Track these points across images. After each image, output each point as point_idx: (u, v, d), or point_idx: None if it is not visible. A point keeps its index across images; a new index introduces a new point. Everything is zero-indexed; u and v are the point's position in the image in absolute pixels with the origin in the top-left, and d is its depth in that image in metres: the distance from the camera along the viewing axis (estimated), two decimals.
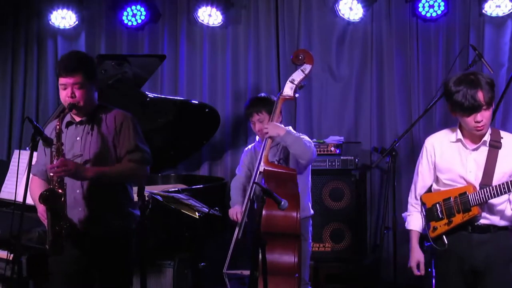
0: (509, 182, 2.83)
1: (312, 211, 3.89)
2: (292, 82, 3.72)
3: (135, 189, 3.71)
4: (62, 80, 3.05)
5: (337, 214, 4.89)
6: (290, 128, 3.89)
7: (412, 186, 3.22)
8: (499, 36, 5.13)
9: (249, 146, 4.09)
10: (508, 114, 5.10)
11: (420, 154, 3.19)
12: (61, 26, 5.57)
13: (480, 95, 2.84)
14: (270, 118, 3.72)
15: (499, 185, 2.86)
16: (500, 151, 2.95)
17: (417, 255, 3.12)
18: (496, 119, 4.91)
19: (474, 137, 2.99)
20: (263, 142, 3.69)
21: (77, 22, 5.58)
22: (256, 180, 3.56)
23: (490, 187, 2.88)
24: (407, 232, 3.20)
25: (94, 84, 3.14)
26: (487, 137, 2.97)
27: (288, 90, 3.71)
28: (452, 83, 2.91)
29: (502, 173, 2.92)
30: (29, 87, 5.73)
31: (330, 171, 4.90)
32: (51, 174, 2.93)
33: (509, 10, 5.05)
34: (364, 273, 4.93)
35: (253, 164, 3.90)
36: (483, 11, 5.07)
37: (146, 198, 3.78)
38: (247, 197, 3.68)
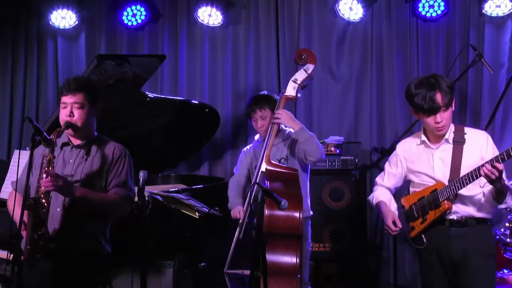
0: (471, 173, 2.92)
1: (311, 212, 3.90)
2: (295, 81, 3.73)
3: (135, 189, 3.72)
4: (63, 99, 3.13)
5: (337, 214, 4.89)
6: (291, 129, 3.89)
7: (382, 175, 3.40)
8: (499, 36, 5.13)
9: (248, 147, 4.09)
10: (508, 114, 5.09)
11: (391, 157, 3.36)
12: (61, 26, 5.57)
13: (438, 97, 2.97)
14: (273, 118, 3.73)
15: (462, 176, 2.96)
16: (464, 146, 3.07)
17: (391, 214, 3.20)
18: (496, 119, 4.92)
19: (436, 137, 3.11)
20: (265, 141, 3.69)
21: (77, 22, 5.58)
22: (257, 180, 3.56)
23: (455, 180, 2.99)
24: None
25: (94, 109, 3.19)
26: (448, 135, 3.08)
27: (290, 89, 3.73)
28: (412, 86, 3.05)
29: (468, 167, 3.01)
30: (29, 87, 5.72)
31: (330, 171, 4.90)
32: (41, 185, 2.94)
33: (509, 10, 5.05)
34: (364, 273, 4.94)
35: (253, 164, 3.90)
36: (483, 11, 5.07)
37: (146, 198, 3.77)
38: (248, 197, 3.67)
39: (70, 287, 3.12)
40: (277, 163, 3.72)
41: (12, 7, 5.68)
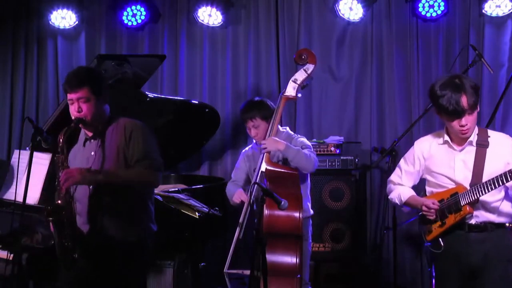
0: (496, 178, 2.87)
1: (311, 211, 3.89)
2: (294, 81, 3.73)
3: None
4: (68, 96, 3.09)
5: (337, 214, 4.88)
6: (287, 128, 3.89)
7: (399, 173, 3.27)
8: (499, 36, 5.13)
9: (247, 148, 4.07)
10: (508, 114, 5.10)
11: (407, 154, 3.25)
12: (61, 26, 5.57)
13: (464, 100, 2.89)
14: (272, 118, 3.73)
15: (487, 181, 2.90)
16: (488, 150, 3.00)
17: (429, 199, 3.08)
18: (496, 119, 4.91)
19: (460, 139, 3.04)
20: None
21: (77, 22, 5.58)
22: (257, 180, 3.56)
23: (479, 185, 2.92)
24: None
25: (102, 98, 3.14)
26: (473, 138, 3.01)
27: (290, 89, 3.72)
28: (438, 87, 2.97)
29: (491, 172, 2.95)
30: (29, 87, 5.72)
31: (330, 171, 4.90)
32: (60, 185, 2.93)
33: (509, 10, 5.05)
34: (364, 273, 4.93)
35: (251, 167, 3.89)
36: (483, 11, 5.07)
37: None
38: (248, 197, 3.67)
39: (113, 281, 3.08)
40: (277, 163, 3.71)
41: (12, 7, 5.68)
